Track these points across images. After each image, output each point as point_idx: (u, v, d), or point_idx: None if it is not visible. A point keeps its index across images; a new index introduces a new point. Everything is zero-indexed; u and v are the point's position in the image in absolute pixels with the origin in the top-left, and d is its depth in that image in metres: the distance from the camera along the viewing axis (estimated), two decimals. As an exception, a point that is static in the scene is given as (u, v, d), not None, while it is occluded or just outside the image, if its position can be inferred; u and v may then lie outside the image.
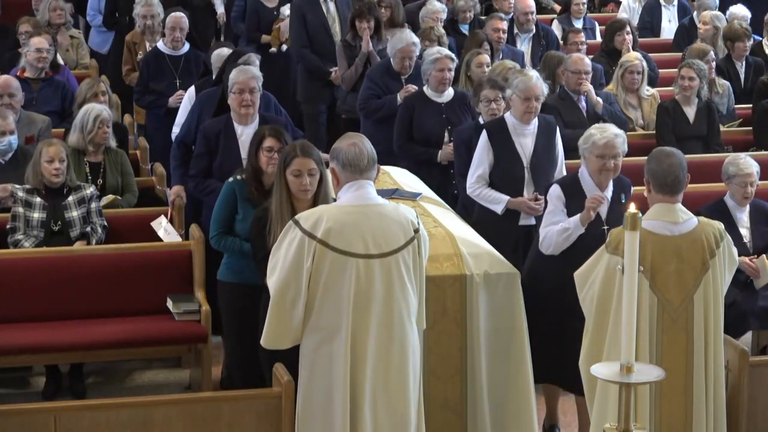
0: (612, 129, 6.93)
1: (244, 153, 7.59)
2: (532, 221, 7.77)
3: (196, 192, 8.16)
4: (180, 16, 10.80)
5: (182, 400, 6.28)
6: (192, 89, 9.39)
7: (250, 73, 7.86)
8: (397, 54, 9.71)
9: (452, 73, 9.07)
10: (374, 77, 9.88)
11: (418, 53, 9.77)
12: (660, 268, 5.81)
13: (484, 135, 7.82)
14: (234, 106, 7.87)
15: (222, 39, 13.53)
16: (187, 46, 10.80)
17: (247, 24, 12.21)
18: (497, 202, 7.77)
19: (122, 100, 10.92)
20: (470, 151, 8.06)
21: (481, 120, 8.30)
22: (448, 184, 8.77)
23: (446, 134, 8.91)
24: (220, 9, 13.50)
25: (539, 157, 7.81)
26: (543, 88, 7.82)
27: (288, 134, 7.09)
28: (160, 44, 10.84)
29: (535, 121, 7.82)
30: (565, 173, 7.82)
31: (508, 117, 7.83)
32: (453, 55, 9.17)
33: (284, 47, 11.96)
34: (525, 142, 7.79)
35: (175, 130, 9.20)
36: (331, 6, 11.36)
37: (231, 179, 6.94)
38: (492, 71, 9.47)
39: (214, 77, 9.18)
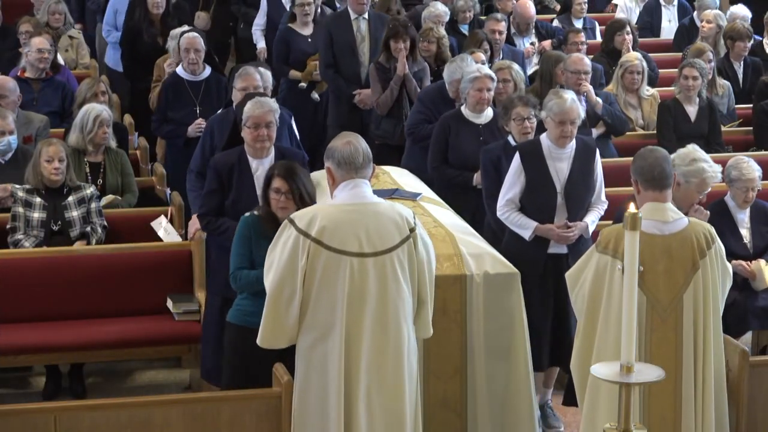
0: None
1: (259, 189, 7.00)
2: (563, 249, 7.31)
3: (207, 231, 7.46)
4: (194, 36, 9.83)
5: (182, 400, 6.28)
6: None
7: (266, 106, 7.21)
8: (453, 83, 9.06)
9: (491, 93, 8.56)
10: (426, 101, 9.30)
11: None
12: (649, 268, 5.80)
13: (516, 157, 7.35)
14: (248, 140, 7.24)
15: None
16: (208, 71, 9.86)
17: (275, 54, 11.44)
18: (525, 227, 7.29)
19: (141, 128, 10.41)
20: (498, 172, 7.70)
21: (510, 139, 7.86)
22: (484, 208, 8.03)
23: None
24: (261, 43, 12.43)
25: (574, 183, 7.30)
26: (579, 110, 7.34)
27: (303, 174, 6.61)
28: (179, 69, 9.91)
29: (573, 144, 7.32)
30: (604, 199, 7.41)
31: (544, 139, 7.34)
32: (493, 74, 8.68)
33: (316, 95, 11.19)
34: (560, 166, 7.30)
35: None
36: (363, 24, 10.76)
37: (247, 214, 6.60)
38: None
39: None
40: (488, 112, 8.56)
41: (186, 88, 9.77)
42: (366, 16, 10.76)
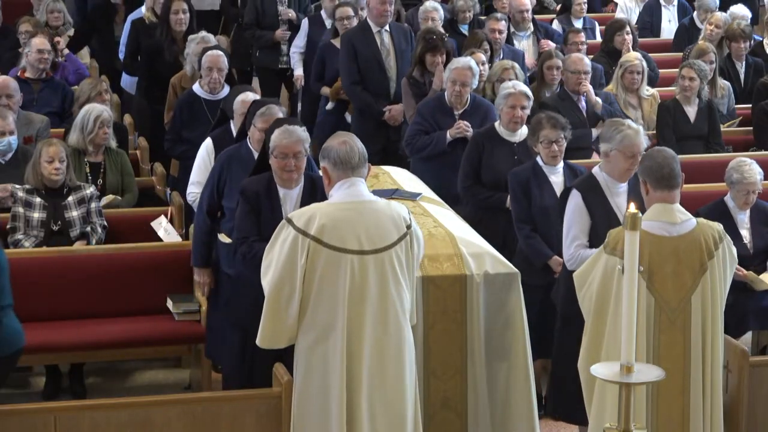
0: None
1: None
2: None
3: (245, 258, 6.63)
4: (218, 55, 9.34)
5: (182, 400, 6.29)
6: (209, 141, 8.05)
7: (295, 135, 6.67)
8: (449, 76, 8.79)
9: (527, 111, 8.15)
10: (424, 112, 8.95)
11: (476, 83, 8.94)
12: (658, 269, 5.81)
13: (577, 197, 6.83)
14: (275, 168, 6.73)
15: (299, 104, 12.11)
16: (226, 90, 9.26)
17: (312, 73, 10.97)
18: None
19: (153, 152, 9.88)
20: (528, 196, 7.53)
21: (539, 160, 7.58)
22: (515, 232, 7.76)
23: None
24: (298, 70, 11.78)
25: None
26: (645, 142, 6.88)
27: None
28: (195, 87, 9.42)
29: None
30: None
31: (599, 173, 6.87)
32: (529, 92, 8.27)
33: (348, 116, 10.58)
34: (619, 201, 6.84)
35: (191, 190, 8.05)
36: (386, 37, 10.22)
37: None
38: (492, 72, 9.46)
39: (235, 128, 7.92)
40: (523, 130, 8.13)
41: (202, 107, 9.32)
42: (387, 28, 10.26)
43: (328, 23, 11.66)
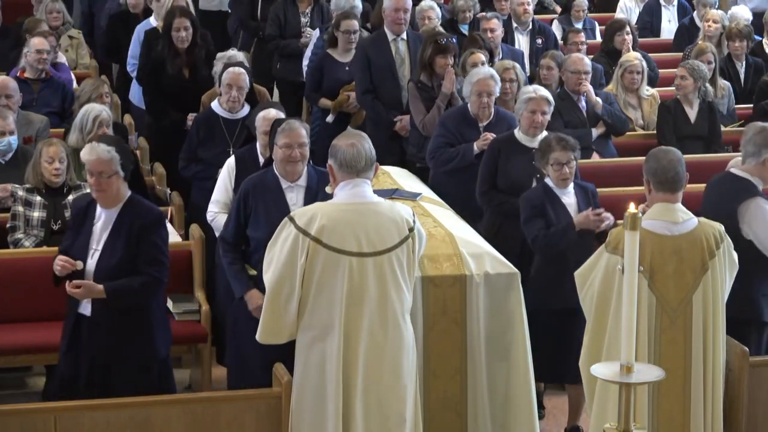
0: None
1: (95, 240, 6.49)
2: None
3: None
4: (239, 72, 8.88)
5: (182, 400, 6.29)
6: (232, 159, 7.73)
7: (95, 153, 6.40)
8: (473, 89, 8.54)
9: (547, 116, 7.96)
10: (448, 124, 8.71)
11: (497, 91, 8.67)
12: (659, 268, 5.81)
13: (766, 203, 6.61)
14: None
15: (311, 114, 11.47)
16: (246, 109, 8.86)
17: (307, 82, 10.68)
18: None
19: (171, 173, 9.35)
20: (545, 218, 7.22)
21: (548, 181, 7.35)
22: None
23: (534, 183, 7.69)
24: None
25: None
26: None
27: None
28: (214, 104, 8.99)
29: None
30: None
31: (748, 176, 6.79)
32: (550, 97, 8.06)
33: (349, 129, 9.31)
34: None
35: (211, 208, 7.67)
36: (401, 45, 10.02)
37: None
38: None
39: (260, 147, 7.78)
40: (543, 135, 7.82)
41: (220, 125, 8.88)
42: (404, 36, 10.04)
43: None
